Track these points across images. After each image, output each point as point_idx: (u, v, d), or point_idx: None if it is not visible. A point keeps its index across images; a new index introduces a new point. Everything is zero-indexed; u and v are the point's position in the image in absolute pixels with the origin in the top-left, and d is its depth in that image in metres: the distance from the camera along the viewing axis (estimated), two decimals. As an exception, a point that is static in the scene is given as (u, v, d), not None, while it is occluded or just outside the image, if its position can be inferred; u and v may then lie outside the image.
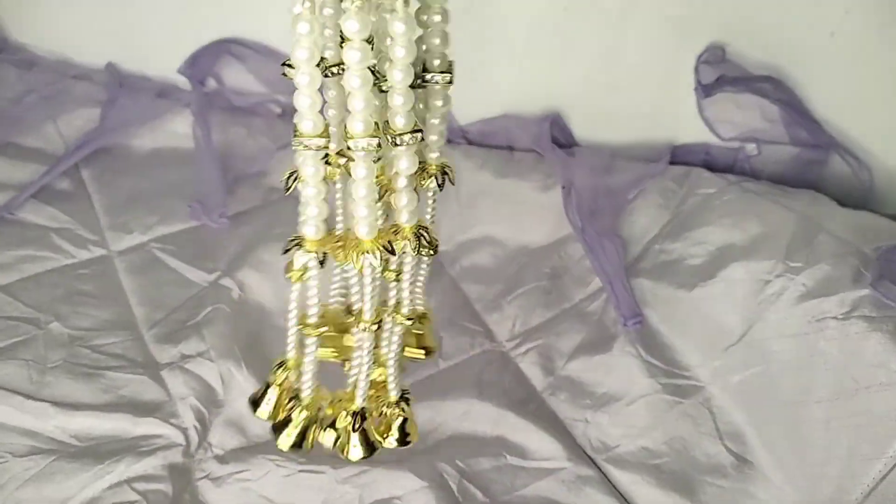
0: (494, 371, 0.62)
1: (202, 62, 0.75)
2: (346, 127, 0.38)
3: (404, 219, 0.41)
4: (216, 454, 0.54)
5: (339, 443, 0.46)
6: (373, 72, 0.37)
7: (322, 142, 0.39)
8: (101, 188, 0.74)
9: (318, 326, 0.44)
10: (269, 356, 0.60)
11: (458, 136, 0.75)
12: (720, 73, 0.64)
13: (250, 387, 0.57)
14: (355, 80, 0.36)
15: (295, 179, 0.41)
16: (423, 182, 0.44)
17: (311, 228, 0.41)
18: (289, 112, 0.77)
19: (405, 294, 0.45)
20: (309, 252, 0.41)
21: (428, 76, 0.41)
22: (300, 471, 0.53)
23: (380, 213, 0.41)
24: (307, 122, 0.39)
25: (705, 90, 0.63)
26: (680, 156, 0.71)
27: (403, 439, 0.47)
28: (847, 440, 0.51)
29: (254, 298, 0.64)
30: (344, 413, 0.46)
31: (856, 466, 0.50)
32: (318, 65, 0.37)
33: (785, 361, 0.55)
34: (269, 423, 0.48)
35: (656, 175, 0.69)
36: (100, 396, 0.56)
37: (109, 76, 0.78)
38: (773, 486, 0.53)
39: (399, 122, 0.38)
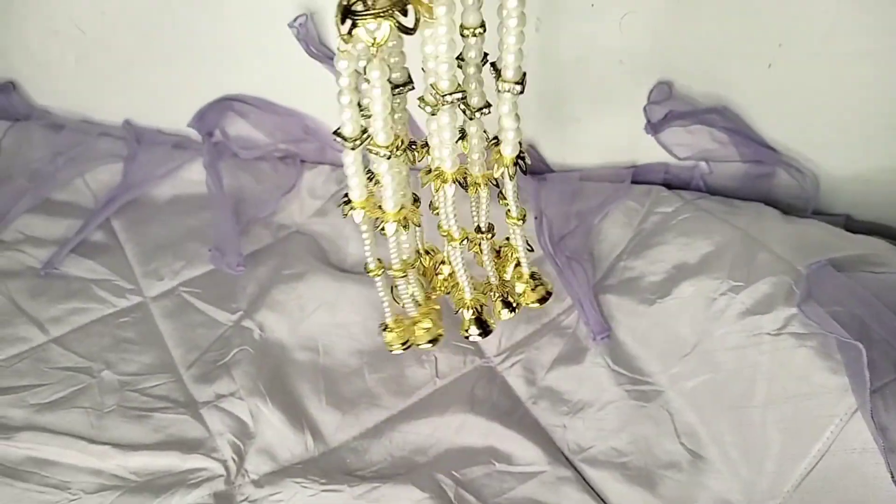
0: (484, 385, 0.70)
1: (208, 118, 0.83)
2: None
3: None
4: (252, 479, 0.65)
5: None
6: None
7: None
8: (131, 237, 0.83)
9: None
10: (290, 389, 0.71)
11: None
12: (668, 110, 0.70)
13: (276, 419, 0.67)
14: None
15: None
16: None
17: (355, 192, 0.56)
18: (290, 157, 0.85)
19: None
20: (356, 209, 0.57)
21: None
22: (322, 490, 0.63)
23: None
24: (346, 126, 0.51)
25: (654, 128, 0.70)
26: (642, 174, 0.79)
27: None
28: (779, 440, 0.59)
29: (273, 337, 0.74)
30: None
31: (787, 463, 0.58)
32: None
33: (728, 370, 0.63)
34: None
35: (620, 198, 0.76)
36: (151, 436, 0.67)
37: (127, 132, 0.87)
38: (722, 479, 0.61)
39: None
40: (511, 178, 0.60)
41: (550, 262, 0.75)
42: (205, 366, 0.72)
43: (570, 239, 0.75)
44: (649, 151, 0.77)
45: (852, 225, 0.75)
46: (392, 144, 0.53)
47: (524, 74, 0.54)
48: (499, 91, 0.54)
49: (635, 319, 0.71)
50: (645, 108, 0.71)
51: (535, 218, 0.76)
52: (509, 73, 0.53)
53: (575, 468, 0.65)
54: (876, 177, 0.72)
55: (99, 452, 0.65)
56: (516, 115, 0.56)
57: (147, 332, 0.75)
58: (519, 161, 0.59)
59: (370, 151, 0.53)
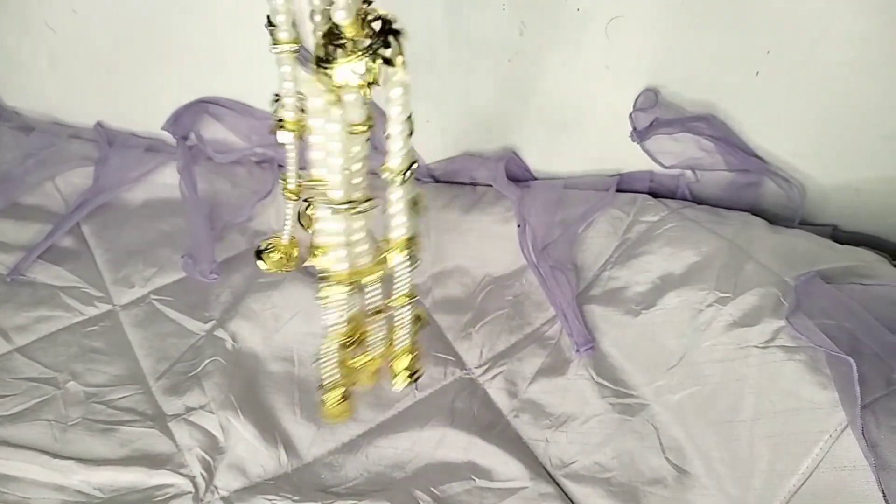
0: (465, 398, 0.69)
1: (183, 120, 0.81)
2: None
3: None
4: (222, 496, 0.62)
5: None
6: None
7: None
8: (101, 243, 0.81)
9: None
10: (263, 402, 0.68)
11: (425, 175, 0.82)
12: (654, 117, 0.69)
13: (248, 433, 0.65)
14: None
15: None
16: None
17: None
18: (267, 161, 0.83)
19: None
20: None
21: None
22: (294, 507, 0.61)
23: None
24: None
25: (640, 135, 0.69)
26: (627, 183, 0.77)
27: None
28: (767, 456, 0.57)
29: (246, 347, 0.72)
30: None
31: (775, 480, 0.57)
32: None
33: (715, 383, 0.62)
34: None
35: (605, 206, 0.75)
36: (117, 451, 0.64)
37: (99, 135, 0.84)
38: (708, 495, 0.60)
39: None
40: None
41: (533, 272, 0.73)
42: (175, 377, 0.70)
43: (554, 248, 0.73)
44: (635, 159, 0.76)
45: (839, 235, 0.74)
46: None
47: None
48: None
49: (620, 331, 0.69)
50: (631, 115, 0.70)
51: (518, 226, 0.74)
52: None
53: (557, 484, 0.63)
54: (863, 187, 0.71)
55: (62, 467, 0.63)
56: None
57: (116, 342, 0.73)
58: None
59: None
